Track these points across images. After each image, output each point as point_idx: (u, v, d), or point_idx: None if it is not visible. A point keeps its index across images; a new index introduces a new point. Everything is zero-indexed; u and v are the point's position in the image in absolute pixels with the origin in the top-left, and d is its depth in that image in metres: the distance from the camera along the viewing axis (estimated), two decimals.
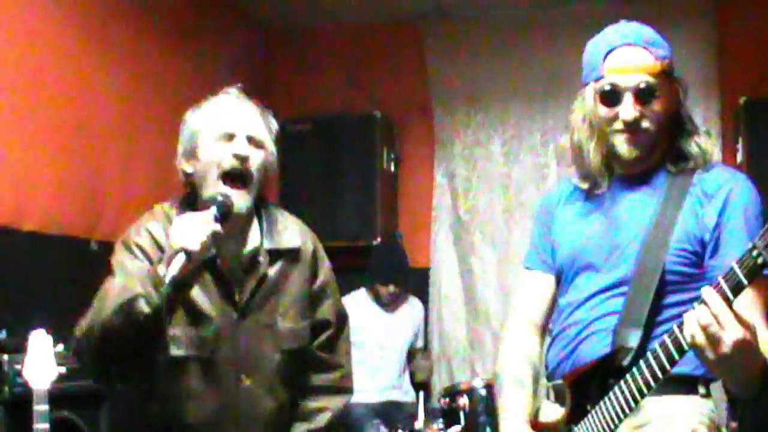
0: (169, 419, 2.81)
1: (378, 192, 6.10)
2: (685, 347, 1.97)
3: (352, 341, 5.45)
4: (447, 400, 4.46)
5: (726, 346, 1.87)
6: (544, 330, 2.62)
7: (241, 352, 2.81)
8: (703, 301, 1.88)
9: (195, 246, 2.50)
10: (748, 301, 2.12)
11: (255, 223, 2.87)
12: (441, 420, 4.50)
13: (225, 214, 2.64)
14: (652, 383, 2.07)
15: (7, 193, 4.00)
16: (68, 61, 4.41)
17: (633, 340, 2.22)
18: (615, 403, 2.15)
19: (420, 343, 6.04)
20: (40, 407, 2.95)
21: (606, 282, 2.37)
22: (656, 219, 2.34)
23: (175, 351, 2.73)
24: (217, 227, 2.57)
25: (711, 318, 1.86)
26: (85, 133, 4.52)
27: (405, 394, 5.77)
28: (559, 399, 2.38)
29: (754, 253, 1.82)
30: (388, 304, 5.81)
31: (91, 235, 4.57)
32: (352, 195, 6.11)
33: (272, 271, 2.84)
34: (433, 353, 6.25)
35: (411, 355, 5.96)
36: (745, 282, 1.85)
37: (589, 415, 2.22)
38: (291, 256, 2.89)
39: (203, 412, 2.78)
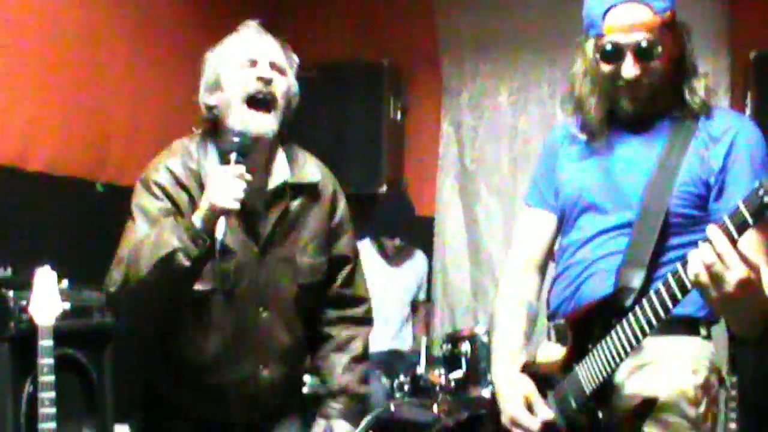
0: (187, 352, 2.84)
1: (384, 141, 6.07)
2: (689, 286, 1.96)
3: None
4: (449, 346, 4.50)
5: (730, 286, 1.87)
6: (544, 268, 2.62)
7: (260, 286, 2.83)
8: (707, 240, 1.88)
9: (234, 205, 2.54)
10: (753, 242, 2.14)
11: (280, 157, 2.88)
12: (443, 366, 4.53)
13: (246, 147, 2.65)
14: (654, 323, 2.07)
15: (13, 134, 4.00)
16: (77, 3, 4.39)
17: (636, 280, 2.22)
18: (616, 342, 2.15)
19: (423, 296, 6.06)
20: (45, 342, 2.98)
21: (609, 223, 2.36)
22: (661, 162, 2.33)
23: (198, 285, 2.74)
24: (248, 177, 2.58)
25: (715, 257, 1.86)
26: (92, 75, 4.50)
27: (407, 344, 5.80)
28: (561, 339, 2.39)
29: (761, 192, 1.82)
30: (393, 258, 5.82)
31: (96, 177, 4.57)
32: (358, 143, 6.09)
33: (294, 206, 2.87)
34: (436, 303, 6.26)
35: (414, 306, 5.99)
36: (751, 221, 1.84)
37: (590, 355, 2.22)
38: (311, 191, 2.91)
39: (222, 344, 2.82)
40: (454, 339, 4.53)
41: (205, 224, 2.56)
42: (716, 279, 1.87)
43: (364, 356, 3.06)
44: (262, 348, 2.85)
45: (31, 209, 4.10)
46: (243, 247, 2.80)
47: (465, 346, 4.48)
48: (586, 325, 2.27)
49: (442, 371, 4.54)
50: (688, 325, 2.27)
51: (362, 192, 6.04)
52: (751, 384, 4.75)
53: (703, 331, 2.31)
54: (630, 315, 2.12)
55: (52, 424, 2.95)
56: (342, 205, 3.03)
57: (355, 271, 3.11)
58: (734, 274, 1.86)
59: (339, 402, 2.99)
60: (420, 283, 5.98)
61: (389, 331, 5.76)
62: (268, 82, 2.73)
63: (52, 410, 2.95)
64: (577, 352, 2.27)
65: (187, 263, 2.54)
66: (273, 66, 2.78)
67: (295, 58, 2.91)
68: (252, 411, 2.91)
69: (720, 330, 2.39)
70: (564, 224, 2.53)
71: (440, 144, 6.35)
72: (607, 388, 2.22)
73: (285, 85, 2.80)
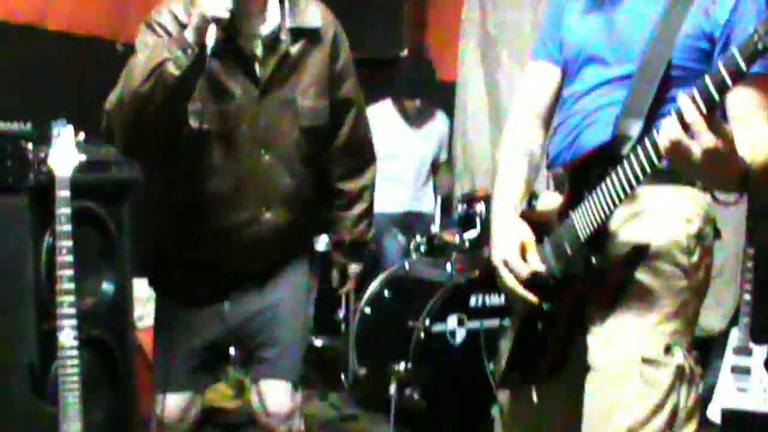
0: (189, 196, 2.90)
1: (406, 4, 6.02)
2: (662, 152, 1.99)
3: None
4: (464, 206, 4.55)
5: (697, 155, 1.88)
6: (548, 121, 2.63)
7: (261, 128, 2.87)
8: (677, 110, 1.90)
9: (223, 13, 2.57)
10: (748, 102, 2.18)
11: (275, 1, 2.88)
12: (458, 225, 4.60)
13: None
14: (647, 170, 2.07)
15: None
16: None
17: (634, 129, 2.22)
18: (611, 189, 2.16)
19: (444, 156, 6.09)
20: (62, 193, 3.04)
21: (611, 74, 2.35)
22: (665, 14, 2.30)
23: (197, 125, 2.79)
24: None
25: (681, 127, 1.88)
26: None
27: (426, 205, 5.86)
28: (559, 187, 2.41)
29: (755, 38, 1.81)
30: (414, 119, 5.84)
31: (117, 38, 4.60)
32: (380, 7, 6.05)
33: (294, 50, 2.89)
34: (456, 166, 6.30)
35: (434, 167, 6.03)
36: (745, 68, 1.83)
37: (586, 201, 2.24)
38: (312, 35, 2.92)
39: (223, 186, 2.87)
40: (469, 199, 4.58)
41: (196, 35, 2.59)
42: (684, 148, 1.89)
43: (372, 203, 3.27)
44: (264, 191, 2.90)
45: (51, 67, 4.14)
46: (242, 90, 2.84)
47: (480, 207, 4.54)
48: (583, 172, 2.28)
49: (457, 230, 4.62)
50: (682, 175, 2.25)
51: (383, 55, 6.04)
52: None
53: (698, 182, 2.31)
54: (624, 162, 2.13)
55: (70, 272, 3.02)
56: (345, 49, 3.04)
57: (360, 115, 3.17)
58: (701, 144, 1.88)
59: (350, 250, 3.24)
60: (441, 143, 6.01)
61: (408, 191, 5.82)
62: None
63: (70, 258, 3.02)
64: (574, 199, 2.29)
65: (176, 72, 2.58)
66: None
67: None
68: (257, 257, 2.98)
69: None
70: (567, 76, 2.52)
71: (463, 8, 6.28)
72: (601, 235, 2.24)
73: None
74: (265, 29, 2.85)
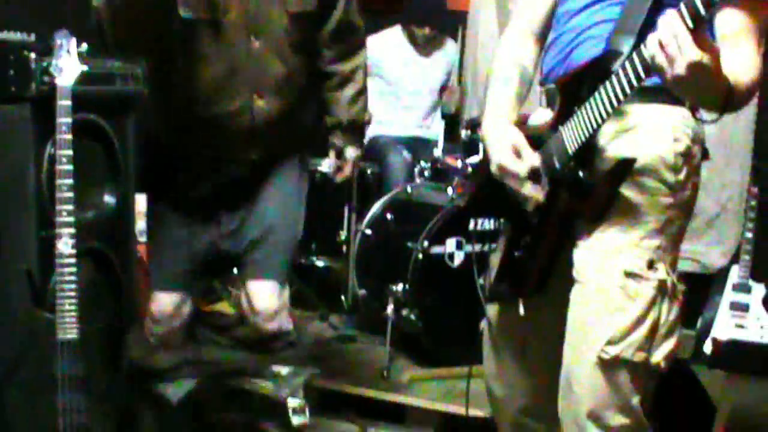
0: (181, 86, 2.92)
1: None
2: (649, 64, 2.00)
3: (384, 76, 5.58)
4: (468, 132, 4.56)
5: (681, 68, 1.90)
6: (542, 37, 2.62)
7: (249, 15, 2.90)
8: (663, 21, 1.91)
9: None
10: (736, 23, 2.18)
11: None
12: (461, 150, 4.61)
13: None
14: (634, 84, 2.09)
15: None
16: None
17: (625, 46, 2.22)
18: (599, 103, 2.17)
19: (453, 82, 6.09)
20: (63, 102, 3.06)
21: None
22: None
23: (186, 13, 2.80)
24: None
25: (670, 38, 1.90)
26: None
27: (433, 132, 5.87)
28: (551, 104, 2.41)
29: None
30: (423, 47, 5.83)
31: None
32: None
33: None
34: (465, 94, 6.29)
35: (443, 90, 6.04)
36: (702, 12, 1.86)
37: (575, 115, 2.26)
38: None
39: (214, 75, 2.90)
40: (473, 125, 4.58)
41: None
42: (669, 61, 1.91)
43: (365, 85, 3.33)
44: (255, 78, 2.93)
45: None
46: None
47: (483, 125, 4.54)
48: (573, 87, 2.29)
49: (461, 156, 4.63)
50: (672, 94, 2.24)
51: None
52: None
53: (687, 102, 2.32)
54: (613, 77, 2.14)
55: (69, 180, 3.05)
56: None
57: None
58: (686, 58, 1.89)
59: (347, 131, 3.30)
60: (449, 71, 6.01)
61: (415, 117, 5.85)
62: None
63: (69, 167, 3.05)
64: (564, 114, 2.31)
65: None
66: None
67: None
68: (250, 145, 3.00)
69: None
70: None
71: None
72: (589, 150, 2.26)
73: None
74: None
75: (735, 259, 4.77)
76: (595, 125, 2.21)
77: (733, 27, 2.19)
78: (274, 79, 2.96)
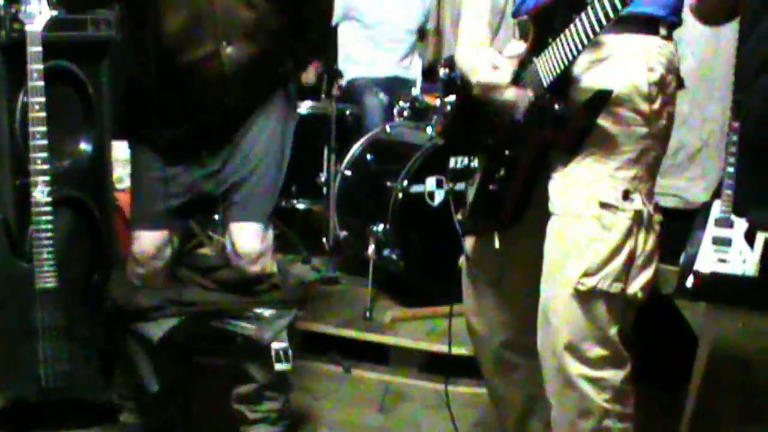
0: (149, 33, 2.89)
1: None
2: None
3: (361, 19, 5.53)
4: (446, 70, 4.53)
5: None
6: None
7: None
8: None
9: None
10: None
11: None
12: (440, 89, 4.59)
13: None
14: (608, 17, 2.05)
15: None
16: None
17: None
18: (574, 34, 2.15)
19: (431, 25, 6.05)
20: (34, 48, 3.03)
21: None
22: None
23: None
24: None
25: None
26: None
27: (412, 72, 5.84)
28: (524, 35, 2.37)
29: None
30: None
31: None
32: None
33: None
34: (444, 33, 6.25)
35: (421, 35, 5.99)
36: None
37: (549, 47, 2.23)
38: None
39: (180, 22, 2.85)
40: (451, 63, 4.54)
41: None
42: None
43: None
44: (222, 25, 2.87)
45: None
46: None
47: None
48: (546, 18, 2.26)
49: (439, 94, 4.61)
50: (647, 24, 2.26)
51: None
52: (756, 124, 4.81)
53: (662, 31, 2.29)
54: (588, 7, 2.11)
55: (42, 128, 3.03)
56: None
57: None
58: None
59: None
60: (427, 12, 5.96)
61: (393, 58, 5.81)
62: None
63: (42, 114, 3.03)
64: (538, 46, 2.28)
65: None
66: None
67: None
68: (224, 92, 2.97)
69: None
70: None
71: None
72: (564, 81, 2.23)
73: None
74: None
75: (717, 194, 4.76)
76: (570, 57, 2.18)
77: None
78: (242, 25, 2.90)
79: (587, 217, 2.27)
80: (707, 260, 4.56)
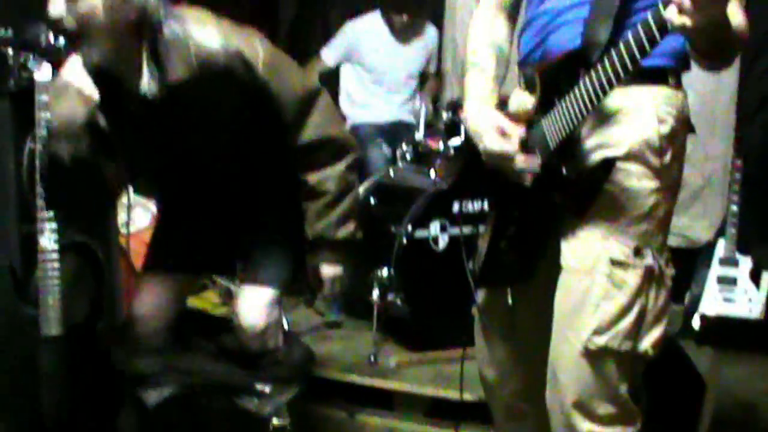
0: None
1: None
2: (657, 38, 1.95)
3: (363, 63, 5.53)
4: (449, 114, 4.54)
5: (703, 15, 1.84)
6: (514, 14, 2.60)
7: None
8: None
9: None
10: None
11: (145, 58, 2.67)
12: (443, 132, 4.60)
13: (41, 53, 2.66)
14: (615, 80, 2.06)
15: None
16: None
17: (603, 33, 2.19)
18: (580, 97, 2.15)
19: (433, 68, 6.05)
20: (43, 97, 3.04)
21: None
22: None
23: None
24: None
25: None
26: None
27: (413, 115, 5.84)
28: (529, 87, 2.38)
29: None
30: (402, 34, 5.77)
31: None
32: None
33: (179, 100, 2.72)
34: (445, 75, 6.26)
35: (423, 77, 6.00)
36: None
37: (555, 109, 2.23)
38: (191, 81, 2.68)
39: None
40: (454, 107, 4.56)
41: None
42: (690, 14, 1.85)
43: (338, 197, 2.94)
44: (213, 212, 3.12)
45: None
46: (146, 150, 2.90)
47: (464, 114, 4.51)
48: (552, 78, 2.26)
49: (442, 138, 4.61)
50: (655, 75, 2.25)
51: None
52: (757, 160, 4.83)
53: (671, 81, 2.29)
54: (593, 70, 2.11)
55: None
56: (253, 77, 2.75)
57: (305, 121, 2.88)
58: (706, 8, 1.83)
59: (316, 248, 3.01)
60: (429, 56, 5.96)
61: (396, 103, 5.82)
62: (57, 22, 2.54)
63: None
64: (544, 105, 2.28)
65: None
66: None
67: None
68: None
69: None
70: None
71: None
72: (571, 143, 2.24)
73: (87, 7, 2.51)
74: (142, 89, 2.67)
75: (721, 232, 4.77)
76: (576, 120, 2.18)
77: None
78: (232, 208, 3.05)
79: (598, 274, 2.27)
80: (712, 300, 4.57)
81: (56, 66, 2.60)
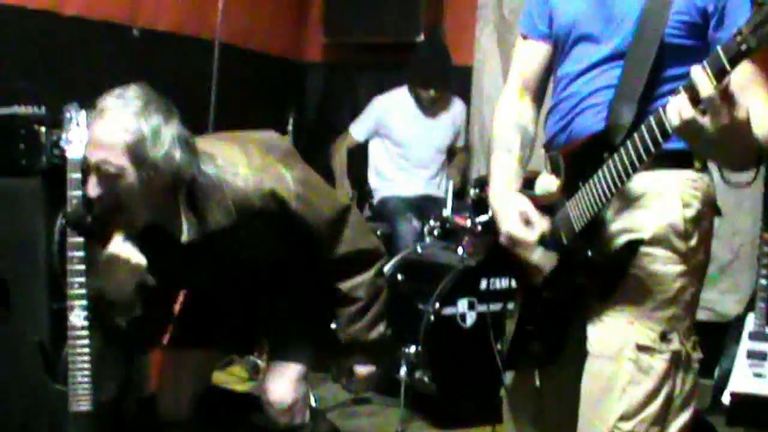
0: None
1: None
2: (669, 131, 1.96)
3: (391, 137, 5.58)
4: (477, 190, 4.57)
5: (711, 131, 1.86)
6: (540, 97, 2.60)
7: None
8: (688, 86, 1.87)
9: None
10: (747, 75, 2.10)
11: (183, 212, 2.72)
12: (471, 209, 4.62)
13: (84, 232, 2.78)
14: (639, 162, 2.06)
15: None
16: None
17: (627, 116, 2.19)
18: (604, 180, 2.15)
19: (461, 142, 6.09)
20: (74, 175, 3.08)
21: (603, 53, 2.31)
22: None
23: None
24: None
25: (692, 104, 1.86)
26: None
27: (442, 189, 5.86)
28: (555, 170, 2.38)
29: (738, 38, 1.78)
30: (429, 108, 5.82)
31: (132, 22, 4.63)
32: None
33: (218, 246, 2.78)
34: (473, 150, 6.30)
35: (450, 152, 6.04)
36: (729, 68, 1.81)
37: (580, 191, 2.23)
38: (229, 228, 2.75)
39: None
40: (482, 183, 4.59)
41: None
42: (698, 126, 1.87)
43: (370, 303, 3.01)
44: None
45: (65, 52, 4.17)
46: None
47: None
48: (577, 161, 2.27)
49: (470, 214, 4.63)
50: (680, 158, 2.24)
51: (399, 39, 6.06)
52: None
53: (696, 164, 2.28)
54: (617, 154, 2.12)
55: (80, 253, 3.06)
56: (288, 211, 2.81)
57: (338, 238, 2.94)
58: (717, 119, 1.85)
59: (353, 351, 3.08)
60: (457, 131, 6.00)
61: (424, 177, 5.84)
62: (94, 202, 2.59)
63: (80, 239, 3.06)
64: (569, 188, 2.28)
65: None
66: (101, 174, 2.54)
67: (154, 122, 2.55)
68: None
69: None
70: (559, 54, 2.48)
71: None
72: (596, 226, 2.23)
73: (121, 188, 2.55)
74: (184, 237, 2.71)
75: (750, 306, 4.74)
76: (600, 204, 2.19)
77: (743, 77, 2.07)
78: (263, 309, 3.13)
79: (624, 359, 2.25)
80: (742, 376, 4.53)
81: (101, 241, 2.64)
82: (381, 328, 3.07)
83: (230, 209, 2.71)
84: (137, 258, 2.61)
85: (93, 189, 2.53)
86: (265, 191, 2.74)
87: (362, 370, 3.11)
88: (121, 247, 2.59)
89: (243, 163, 2.75)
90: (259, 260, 2.92)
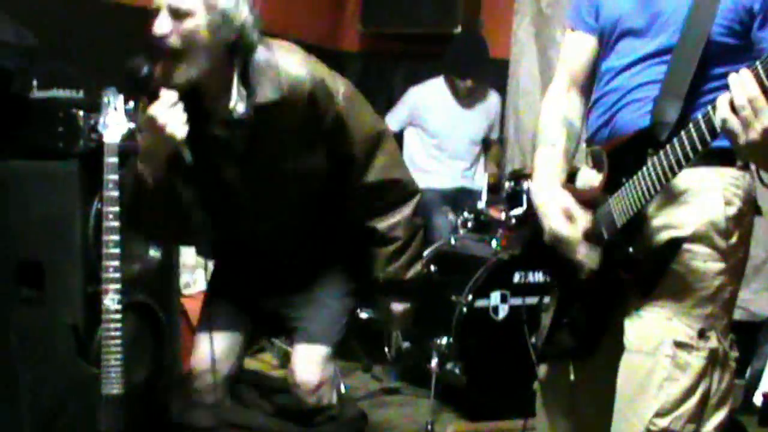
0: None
1: None
2: (717, 129, 1.95)
3: (426, 128, 5.57)
4: (512, 183, 4.55)
5: (756, 132, 1.85)
6: (587, 90, 2.59)
7: (252, 202, 3.00)
8: (737, 83, 1.86)
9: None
10: None
11: (235, 82, 2.77)
12: (505, 202, 4.61)
13: (138, 83, 2.71)
14: (685, 161, 2.06)
15: None
16: None
17: (672, 113, 2.19)
18: (648, 177, 2.15)
19: (495, 135, 6.08)
20: (111, 159, 3.08)
21: (648, 49, 2.30)
22: None
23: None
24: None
25: (744, 101, 1.85)
26: None
27: (476, 182, 5.85)
28: (597, 165, 2.39)
29: None
30: (465, 99, 5.82)
31: None
32: None
33: (263, 122, 2.79)
34: (508, 143, 6.29)
35: (485, 144, 6.02)
36: None
37: (624, 188, 2.23)
38: (277, 106, 2.77)
39: (235, 248, 3.17)
40: (517, 177, 4.58)
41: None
42: (744, 124, 1.86)
43: (408, 242, 3.06)
44: (274, 251, 3.12)
45: (104, 36, 4.19)
46: (225, 172, 2.92)
47: (527, 184, 4.52)
48: (620, 157, 2.26)
49: (504, 207, 4.62)
50: (722, 156, 2.22)
51: (436, 31, 6.05)
52: None
53: (739, 162, 2.27)
54: (662, 151, 2.11)
55: (116, 237, 3.06)
56: (333, 106, 2.84)
57: (372, 161, 2.97)
58: (762, 122, 1.84)
59: (386, 290, 3.13)
60: (492, 123, 5.99)
61: (458, 169, 5.84)
62: (162, 38, 2.61)
63: (116, 224, 3.06)
64: (611, 184, 2.28)
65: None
66: (173, 13, 2.60)
67: None
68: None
69: None
70: (604, 47, 2.48)
71: None
72: (638, 223, 2.23)
73: (188, 28, 2.60)
74: (231, 108, 2.77)
75: None
76: (644, 200, 2.18)
77: None
78: (294, 248, 3.10)
79: (661, 355, 2.24)
80: None
81: (148, 98, 2.67)
82: (418, 266, 3.13)
83: (281, 85, 2.74)
84: (173, 127, 2.62)
85: (160, 26, 2.59)
86: (318, 78, 2.80)
87: (398, 307, 3.17)
88: (161, 110, 2.61)
89: (301, 55, 2.84)
90: (294, 165, 2.90)
